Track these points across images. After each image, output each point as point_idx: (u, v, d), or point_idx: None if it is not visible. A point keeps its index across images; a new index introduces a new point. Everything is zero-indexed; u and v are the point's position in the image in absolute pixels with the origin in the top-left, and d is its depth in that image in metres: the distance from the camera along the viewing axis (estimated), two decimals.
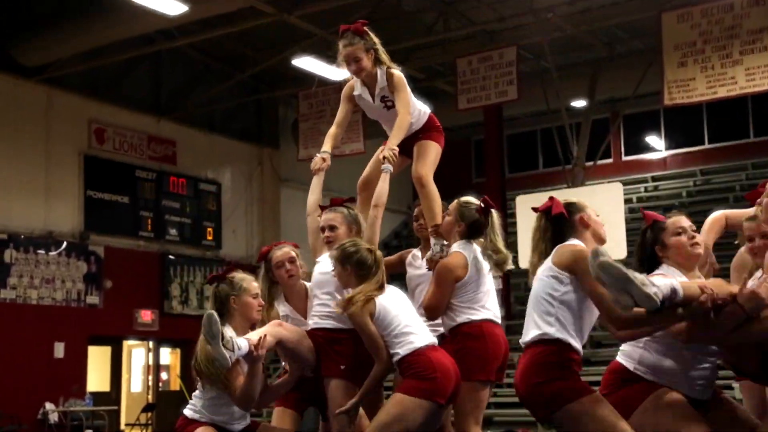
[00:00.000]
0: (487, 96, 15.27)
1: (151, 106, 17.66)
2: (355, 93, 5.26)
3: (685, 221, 4.05)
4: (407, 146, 5.21)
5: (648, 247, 4.08)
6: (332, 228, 4.92)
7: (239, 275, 4.76)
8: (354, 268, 4.57)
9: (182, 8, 12.96)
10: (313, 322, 4.84)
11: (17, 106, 15.26)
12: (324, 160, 5.16)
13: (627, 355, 4.04)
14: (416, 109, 5.24)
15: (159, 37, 15.93)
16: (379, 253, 4.66)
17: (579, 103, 18.61)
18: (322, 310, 4.80)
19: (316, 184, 5.17)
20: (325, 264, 4.86)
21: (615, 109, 19.23)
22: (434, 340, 4.57)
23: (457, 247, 4.85)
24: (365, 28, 5.13)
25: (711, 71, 12.97)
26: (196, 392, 4.69)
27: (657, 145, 20.77)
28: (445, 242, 4.97)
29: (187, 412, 4.67)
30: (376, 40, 5.16)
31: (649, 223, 4.11)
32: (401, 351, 4.45)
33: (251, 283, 4.74)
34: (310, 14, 14.20)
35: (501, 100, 15.50)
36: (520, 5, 15.63)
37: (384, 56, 5.17)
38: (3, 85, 15.08)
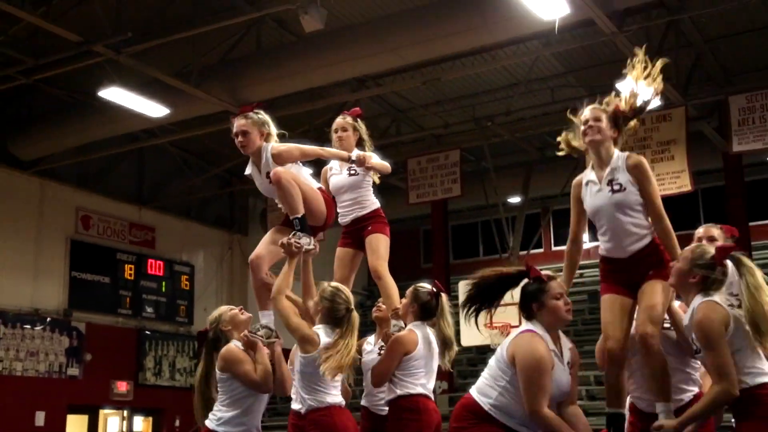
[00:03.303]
0: (434, 192, 15.86)
1: (134, 196, 17.81)
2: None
3: (563, 287, 4.11)
4: (356, 236, 5.42)
5: (528, 297, 4.09)
6: (244, 134, 4.99)
7: (210, 318, 4.94)
8: (325, 309, 4.71)
9: (164, 111, 13.35)
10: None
11: (12, 196, 15.45)
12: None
13: (482, 393, 4.01)
14: (370, 198, 5.43)
15: (142, 135, 16.16)
16: (355, 315, 4.70)
17: (514, 200, 19.06)
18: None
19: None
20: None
21: (545, 205, 19.74)
22: (342, 402, 4.66)
23: (411, 326, 5.08)
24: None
25: None
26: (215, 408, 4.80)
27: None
28: (402, 324, 5.20)
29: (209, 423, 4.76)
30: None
31: (534, 276, 4.10)
32: (312, 402, 4.56)
33: (222, 307, 5.04)
34: (278, 117, 15.42)
35: (446, 196, 16.04)
36: (463, 114, 16.42)
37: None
38: (0, 177, 15.33)
